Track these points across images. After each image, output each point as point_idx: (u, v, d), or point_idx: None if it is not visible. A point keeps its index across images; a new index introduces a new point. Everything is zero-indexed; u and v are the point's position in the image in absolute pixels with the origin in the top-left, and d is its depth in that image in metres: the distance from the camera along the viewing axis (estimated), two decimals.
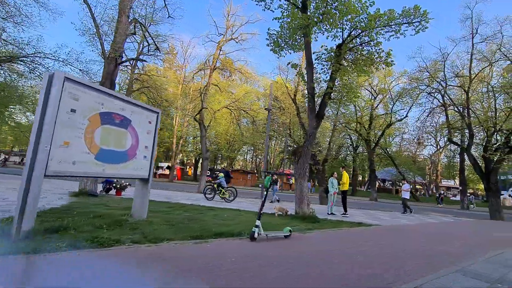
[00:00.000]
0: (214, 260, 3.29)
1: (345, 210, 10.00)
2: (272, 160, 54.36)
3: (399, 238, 6.07)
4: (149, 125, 5.77)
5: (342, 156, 37.19)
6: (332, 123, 21.47)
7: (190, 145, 42.18)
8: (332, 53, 7.94)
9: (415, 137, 30.45)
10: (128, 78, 23.40)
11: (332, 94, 8.22)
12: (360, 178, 58.19)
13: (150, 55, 23.59)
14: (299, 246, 4.47)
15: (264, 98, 34.57)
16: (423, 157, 49.75)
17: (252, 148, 47.50)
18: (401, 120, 27.43)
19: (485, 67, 14.11)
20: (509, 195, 39.09)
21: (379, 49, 7.54)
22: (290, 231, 5.08)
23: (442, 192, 31.58)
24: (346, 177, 10.07)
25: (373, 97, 29.86)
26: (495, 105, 15.43)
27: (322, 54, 7.95)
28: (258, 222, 4.64)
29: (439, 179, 54.31)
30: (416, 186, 51.33)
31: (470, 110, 14.92)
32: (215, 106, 21.06)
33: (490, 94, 16.06)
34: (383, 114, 29.47)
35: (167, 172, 40.58)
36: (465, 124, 14.38)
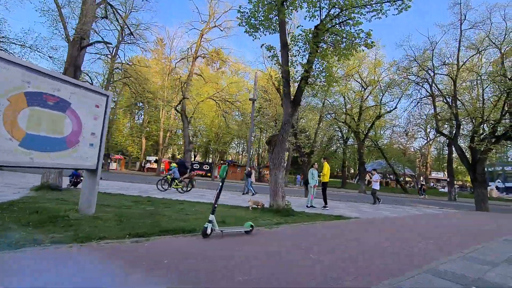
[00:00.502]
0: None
1: (325, 203, 9.58)
2: (263, 153, 53.94)
3: (374, 233, 5.63)
4: (96, 109, 5.12)
5: (333, 148, 36.89)
6: (318, 113, 21.01)
7: (181, 138, 41.30)
8: (311, 35, 7.35)
9: (404, 129, 30.22)
10: (119, 70, 22.34)
11: (309, 79, 7.66)
12: (352, 171, 58.40)
13: (130, 43, 22.63)
14: (254, 244, 3.96)
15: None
16: (414, 150, 49.99)
17: (243, 141, 46.86)
18: (390, 111, 27.14)
19: (473, 55, 13.71)
20: (496, 187, 39.61)
21: (358, 29, 6.97)
22: (251, 226, 4.56)
23: (423, 183, 31.60)
24: (327, 168, 9.61)
25: (363, 89, 29.46)
26: (482, 95, 15.13)
27: (298, 35, 7.34)
28: (211, 217, 4.10)
29: (429, 171, 54.84)
30: (406, 179, 51.80)
31: (457, 100, 14.58)
32: (201, 98, 20.31)
33: (478, 83, 15.80)
34: (372, 106, 29.10)
35: (155, 165, 39.82)
36: (452, 115, 14.05)
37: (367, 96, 29.15)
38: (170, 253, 3.18)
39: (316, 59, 7.61)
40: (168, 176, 12.01)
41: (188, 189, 11.85)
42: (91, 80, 22.00)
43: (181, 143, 42.06)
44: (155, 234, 4.01)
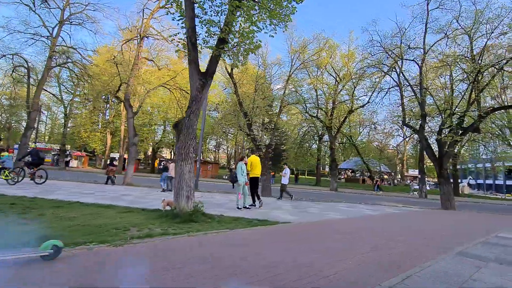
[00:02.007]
0: None
1: (253, 201, 8.05)
2: (240, 149, 52.10)
3: (289, 248, 3.97)
4: None
5: (308, 145, 35.63)
6: (278, 103, 19.40)
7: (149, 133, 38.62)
8: None
9: (373, 124, 29.46)
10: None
11: (226, 45, 5.91)
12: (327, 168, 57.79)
13: (76, 24, 20.06)
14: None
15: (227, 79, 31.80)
16: (392, 148, 49.88)
17: (216, 136, 44.86)
18: (363, 106, 26.08)
19: (441, 38, 12.57)
20: (468, 184, 39.91)
21: None
22: (56, 247, 2.74)
23: (378, 179, 31.04)
24: (256, 162, 8.01)
25: (336, 83, 28.29)
26: (451, 85, 14.07)
27: None
28: None
29: (405, 168, 55.21)
30: (384, 176, 51.77)
31: (424, 89, 13.38)
32: (152, 85, 18.15)
33: (447, 77, 14.78)
34: (346, 100, 27.95)
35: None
36: (418, 104, 12.86)
37: (340, 90, 28.00)
38: None
39: (239, 19, 5.88)
40: None
41: (18, 180, 10.43)
42: (27, 63, 19.34)
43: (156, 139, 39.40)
44: None
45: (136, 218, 5.40)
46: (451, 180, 33.98)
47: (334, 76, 28.62)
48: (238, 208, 7.55)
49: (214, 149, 60.90)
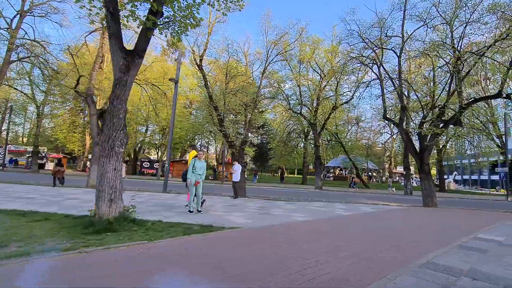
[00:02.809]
0: None
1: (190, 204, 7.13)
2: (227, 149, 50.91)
3: (210, 262, 3.07)
4: None
5: (294, 143, 34.88)
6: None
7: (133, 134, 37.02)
8: None
9: (355, 120, 28.92)
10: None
11: (162, 19, 4.97)
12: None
13: (39, 16, 18.68)
14: None
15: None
16: (381, 145, 49.69)
17: (201, 136, 43.67)
18: (347, 102, 25.48)
19: (420, 26, 11.91)
20: (454, 179, 39.99)
21: None
22: None
23: (354, 176, 30.71)
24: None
25: (321, 79, 27.61)
26: (433, 76, 13.46)
27: None
28: None
29: (393, 165, 55.26)
30: (373, 174, 51.63)
31: (405, 80, 12.72)
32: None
33: (431, 71, 14.18)
34: (331, 96, 27.28)
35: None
36: (397, 95, 12.18)
37: (325, 86, 27.35)
38: None
39: None
40: None
41: None
42: None
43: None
44: None
45: (43, 228, 4.40)
46: (437, 176, 34.05)
47: (319, 72, 27.95)
48: (189, 211, 6.60)
49: (205, 149, 59.46)
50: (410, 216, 8.62)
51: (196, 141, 52.53)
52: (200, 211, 6.67)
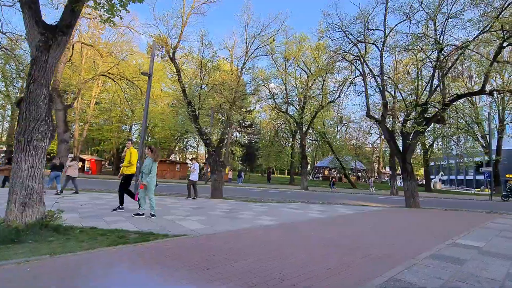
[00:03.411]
0: None
1: (121, 204, 6.52)
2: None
3: None
4: None
5: (280, 142, 34.26)
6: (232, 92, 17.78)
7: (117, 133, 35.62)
8: None
9: (340, 118, 28.61)
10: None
11: None
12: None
13: (8, 5, 17.45)
14: None
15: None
16: (371, 146, 49.70)
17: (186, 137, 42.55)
18: (333, 101, 25.02)
19: (402, 21, 11.44)
20: (440, 179, 40.22)
21: None
22: None
23: (333, 176, 30.61)
24: (134, 156, 6.42)
25: (307, 77, 27.11)
26: (417, 72, 13.04)
27: None
28: None
29: (381, 165, 55.50)
30: (362, 174, 51.60)
31: (389, 77, 12.25)
32: (90, 74, 15.95)
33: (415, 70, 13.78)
34: (317, 95, 26.82)
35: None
36: (379, 91, 11.70)
37: (312, 84, 26.85)
38: None
39: None
40: None
41: None
42: None
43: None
44: None
45: None
46: (424, 176, 34.05)
47: (306, 71, 27.46)
48: (139, 214, 5.83)
49: (194, 149, 58.15)
50: (387, 219, 8.06)
51: (186, 141, 51.43)
52: (154, 215, 5.90)
